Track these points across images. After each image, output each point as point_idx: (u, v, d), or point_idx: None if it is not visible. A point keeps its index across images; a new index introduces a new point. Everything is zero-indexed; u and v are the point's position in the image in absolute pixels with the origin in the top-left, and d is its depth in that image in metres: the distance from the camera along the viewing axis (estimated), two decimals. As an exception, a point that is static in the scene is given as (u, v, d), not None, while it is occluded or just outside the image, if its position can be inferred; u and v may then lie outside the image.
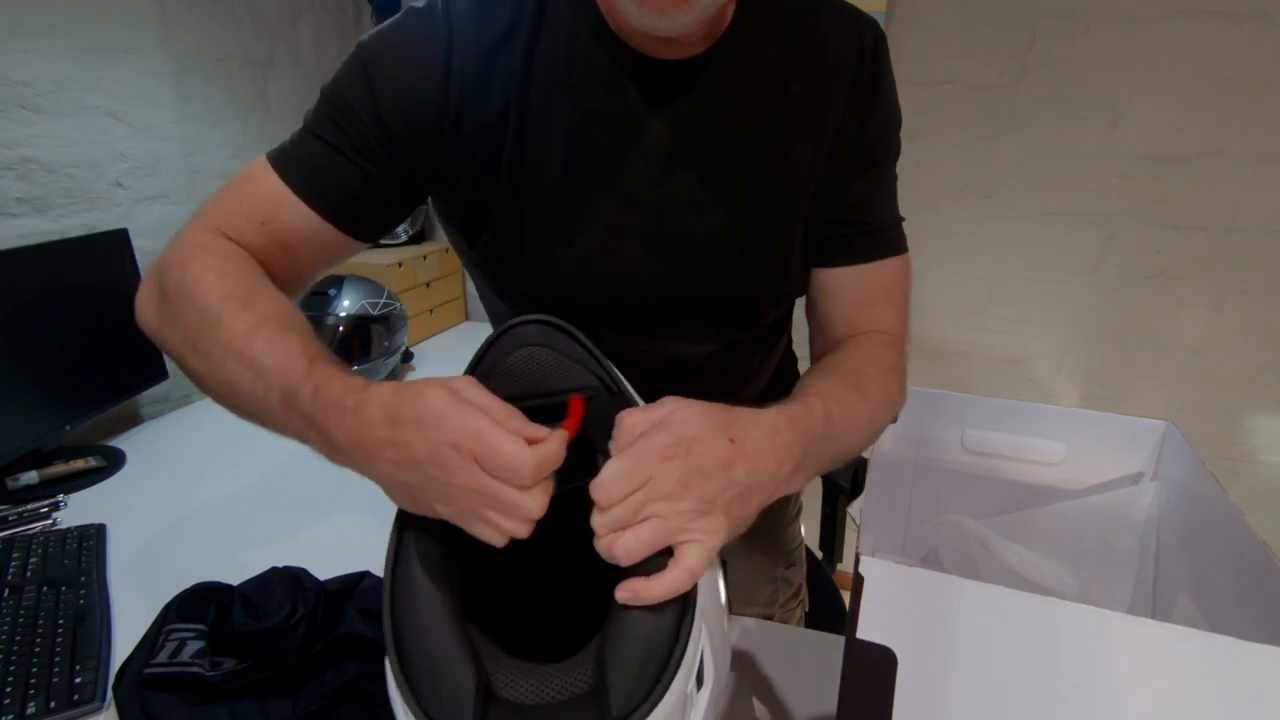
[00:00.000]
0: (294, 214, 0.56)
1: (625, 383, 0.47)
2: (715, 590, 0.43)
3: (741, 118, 0.57)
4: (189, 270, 0.52)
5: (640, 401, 0.46)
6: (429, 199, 0.62)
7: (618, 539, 0.38)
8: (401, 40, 0.55)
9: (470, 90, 0.54)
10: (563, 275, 0.60)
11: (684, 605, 0.39)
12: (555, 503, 0.40)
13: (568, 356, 0.47)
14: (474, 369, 0.47)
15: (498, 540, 0.39)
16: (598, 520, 0.38)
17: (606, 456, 0.40)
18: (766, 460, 0.43)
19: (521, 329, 0.48)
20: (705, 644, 0.40)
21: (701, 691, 0.39)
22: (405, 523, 0.42)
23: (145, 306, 0.55)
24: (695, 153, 0.57)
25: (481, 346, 0.48)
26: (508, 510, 0.38)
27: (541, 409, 0.45)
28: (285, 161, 0.57)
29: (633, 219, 0.58)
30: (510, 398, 0.42)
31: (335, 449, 0.43)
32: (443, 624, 0.38)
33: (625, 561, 0.38)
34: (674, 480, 0.38)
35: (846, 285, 0.65)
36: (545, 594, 0.52)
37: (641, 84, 0.55)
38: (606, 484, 0.38)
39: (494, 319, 0.73)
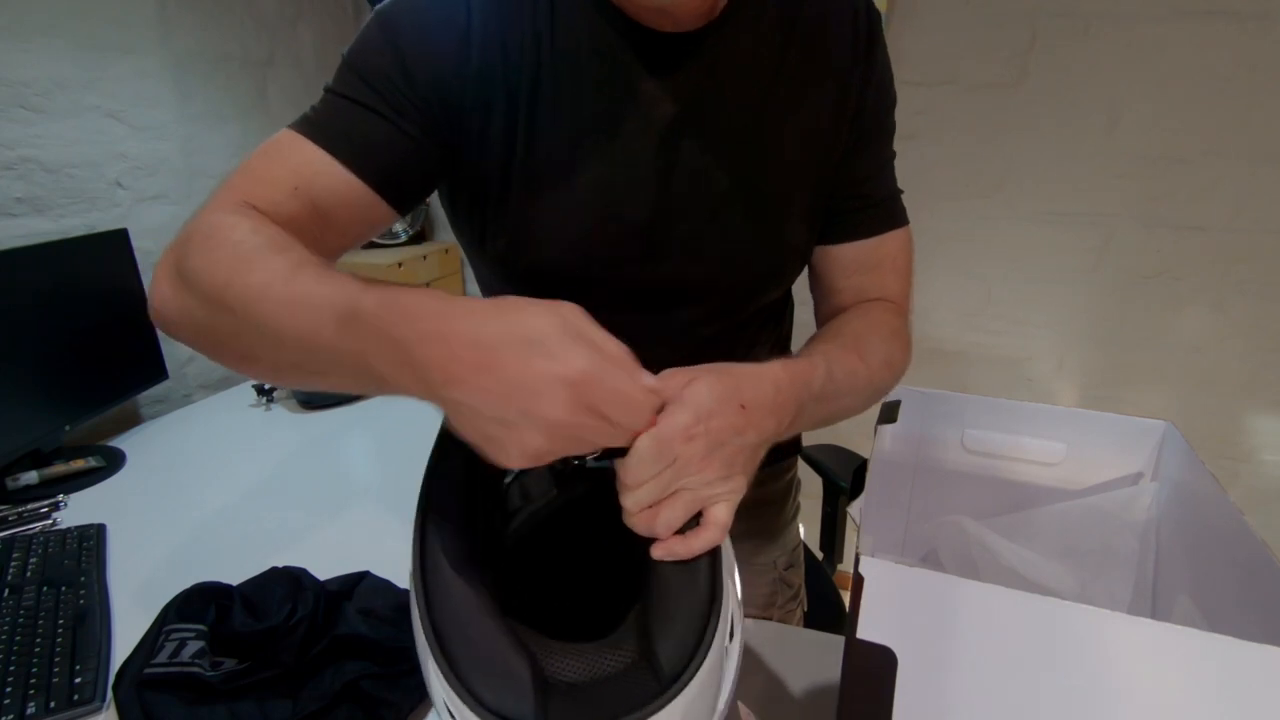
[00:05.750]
0: (331, 179, 0.53)
1: None
2: (730, 549, 0.44)
3: (742, 88, 0.59)
4: (216, 228, 0.47)
5: None
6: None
7: (655, 515, 0.40)
8: (423, 5, 0.55)
9: (488, 57, 0.55)
10: (565, 246, 0.60)
11: (714, 563, 0.41)
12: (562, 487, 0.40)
13: None
14: None
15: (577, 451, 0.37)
16: (628, 500, 0.40)
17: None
18: (770, 420, 0.45)
19: None
20: (734, 599, 0.41)
21: (733, 643, 0.41)
22: (427, 518, 0.42)
23: (160, 283, 0.49)
24: (697, 123, 0.58)
25: None
26: (597, 441, 0.37)
27: None
28: (315, 128, 0.54)
29: (635, 189, 0.59)
30: None
31: (400, 365, 0.36)
32: (485, 617, 0.38)
33: (664, 535, 0.40)
34: (699, 457, 0.40)
35: (854, 258, 0.67)
36: (566, 577, 0.51)
37: (643, 56, 0.56)
38: (634, 466, 0.39)
39: None
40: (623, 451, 0.39)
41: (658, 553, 0.40)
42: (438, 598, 0.39)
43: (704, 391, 0.41)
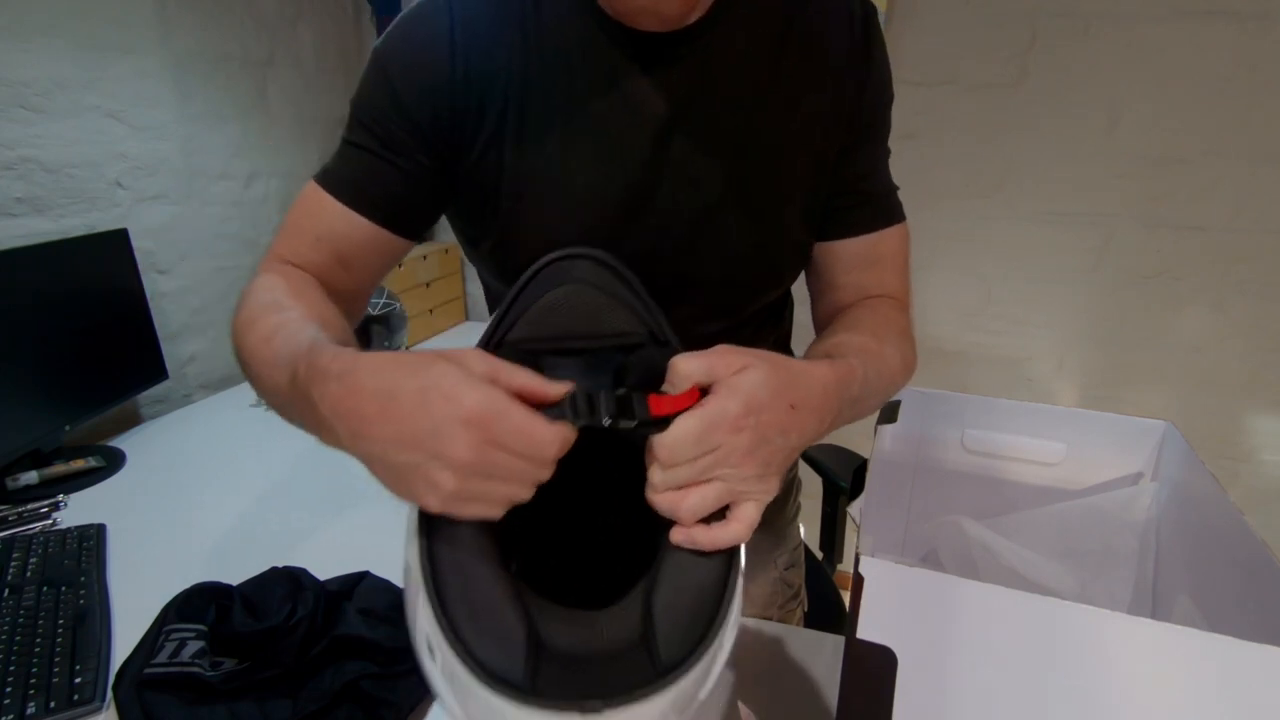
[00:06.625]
0: (342, 223, 0.59)
1: (673, 334, 0.45)
2: (744, 552, 0.43)
3: (735, 87, 0.59)
4: (251, 290, 0.56)
5: None
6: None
7: (683, 499, 0.38)
8: (408, 28, 0.58)
9: (475, 64, 0.56)
10: (559, 246, 0.60)
11: (730, 559, 0.39)
12: (588, 445, 0.38)
13: (615, 298, 0.44)
14: (514, 299, 0.44)
15: (495, 513, 0.37)
16: (658, 477, 0.39)
17: (649, 410, 0.39)
18: (813, 420, 0.44)
19: (570, 262, 0.45)
20: (739, 601, 0.40)
21: (730, 644, 0.39)
22: None
23: (233, 322, 0.56)
24: (690, 122, 0.58)
25: (525, 276, 0.45)
26: (511, 478, 0.36)
27: (582, 351, 0.42)
28: (328, 176, 0.60)
29: (629, 191, 0.59)
30: (551, 336, 0.41)
31: (321, 423, 0.39)
32: (487, 569, 0.36)
33: (687, 521, 0.39)
34: (742, 450, 0.39)
35: (854, 254, 0.67)
36: (576, 535, 0.49)
37: (633, 56, 0.56)
38: (673, 446, 0.38)
39: (494, 306, 0.74)
40: (662, 425, 0.38)
41: (678, 537, 0.39)
42: (440, 543, 0.37)
43: (758, 382, 0.39)
